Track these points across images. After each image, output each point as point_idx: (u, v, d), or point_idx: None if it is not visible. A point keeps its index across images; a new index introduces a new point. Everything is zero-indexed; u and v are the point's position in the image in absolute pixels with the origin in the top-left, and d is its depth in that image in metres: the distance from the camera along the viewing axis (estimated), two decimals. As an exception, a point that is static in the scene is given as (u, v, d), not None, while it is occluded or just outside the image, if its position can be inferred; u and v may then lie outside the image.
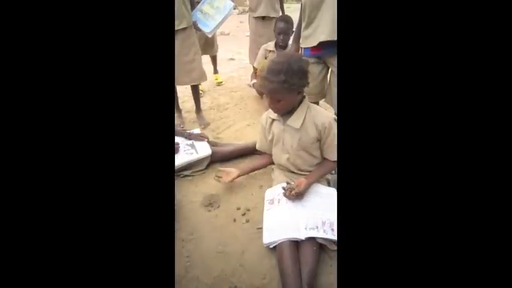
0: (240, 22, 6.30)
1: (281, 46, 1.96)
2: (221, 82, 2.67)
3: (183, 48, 1.64)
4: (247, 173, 1.33)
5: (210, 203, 1.28)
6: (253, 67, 2.21)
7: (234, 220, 1.17)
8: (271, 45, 2.04)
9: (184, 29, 1.61)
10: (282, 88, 0.97)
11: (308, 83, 1.04)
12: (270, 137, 1.19)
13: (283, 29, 1.88)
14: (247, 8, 2.42)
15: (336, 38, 1.26)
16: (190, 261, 1.00)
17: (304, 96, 1.10)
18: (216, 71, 2.68)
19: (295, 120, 1.08)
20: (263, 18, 2.17)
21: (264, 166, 1.33)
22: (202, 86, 2.44)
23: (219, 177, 1.28)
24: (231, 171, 1.29)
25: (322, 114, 1.09)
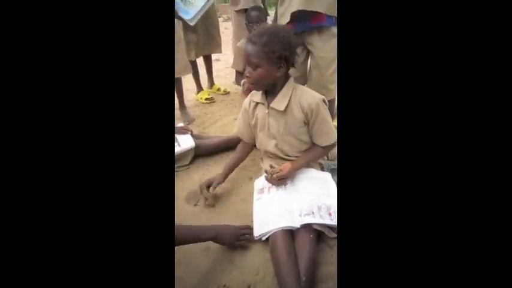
0: (225, 28, 6.31)
1: None
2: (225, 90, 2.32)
3: None
4: (228, 174, 1.16)
5: (195, 198, 1.17)
6: (236, 71, 2.02)
7: (225, 216, 1.06)
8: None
9: None
10: (261, 52, 0.86)
11: (293, 62, 0.93)
12: (253, 122, 1.07)
13: (255, 17, 1.75)
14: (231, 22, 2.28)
15: (309, 8, 1.17)
16: (174, 260, 0.88)
17: (289, 76, 1.00)
18: (212, 82, 2.31)
19: (279, 102, 0.97)
20: (245, 11, 2.11)
21: (242, 159, 1.19)
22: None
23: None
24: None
25: (308, 95, 0.98)
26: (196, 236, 0.84)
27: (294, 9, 1.19)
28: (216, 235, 0.86)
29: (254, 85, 0.96)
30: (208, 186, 1.10)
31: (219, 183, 1.11)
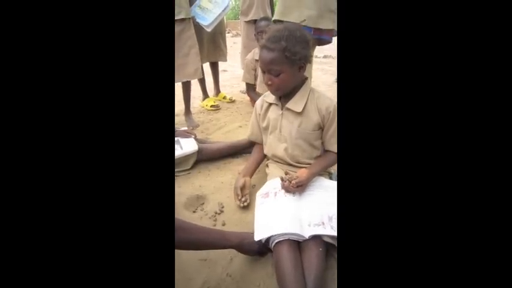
0: (234, 43, 6.48)
1: None
2: (231, 98, 2.31)
3: (178, 41, 1.52)
4: (254, 171, 1.13)
5: (194, 204, 1.10)
6: (246, 84, 2.00)
7: (224, 224, 0.99)
8: (257, 54, 1.88)
9: (182, 20, 1.51)
10: (283, 57, 0.84)
11: (311, 59, 0.92)
12: (264, 124, 1.04)
13: (264, 27, 1.75)
14: (241, 32, 2.34)
15: (284, 19, 1.23)
16: (174, 267, 0.80)
17: (306, 78, 0.98)
18: (218, 90, 2.32)
19: (296, 103, 0.95)
20: (255, 21, 2.13)
21: (261, 159, 1.15)
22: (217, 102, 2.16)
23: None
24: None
25: (326, 98, 0.96)
26: (217, 242, 0.75)
27: (274, 18, 1.31)
28: (240, 243, 0.77)
29: (277, 91, 0.94)
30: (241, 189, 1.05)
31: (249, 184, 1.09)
